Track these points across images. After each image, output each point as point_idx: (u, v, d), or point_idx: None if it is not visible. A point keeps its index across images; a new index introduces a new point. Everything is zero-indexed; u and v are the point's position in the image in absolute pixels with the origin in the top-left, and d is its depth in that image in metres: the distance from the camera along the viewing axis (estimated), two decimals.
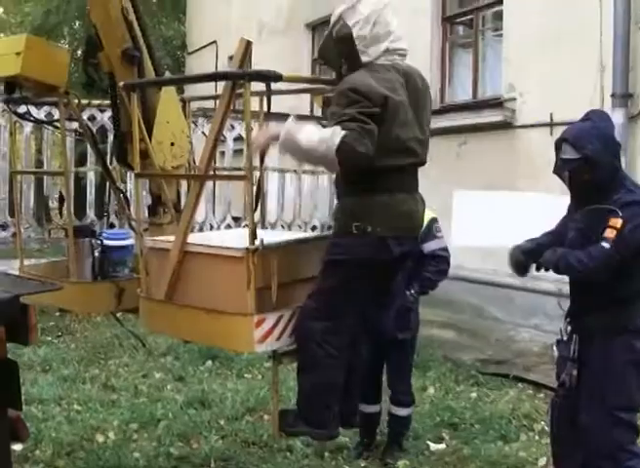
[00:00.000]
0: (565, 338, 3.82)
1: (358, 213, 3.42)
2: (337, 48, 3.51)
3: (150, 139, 4.46)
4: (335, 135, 3.18)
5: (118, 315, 5.33)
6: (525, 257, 3.82)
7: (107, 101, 5.03)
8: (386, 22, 3.49)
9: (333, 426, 3.69)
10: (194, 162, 4.98)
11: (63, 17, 20.13)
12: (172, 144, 4.72)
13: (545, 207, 8.58)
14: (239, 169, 4.20)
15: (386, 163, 3.39)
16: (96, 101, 5.91)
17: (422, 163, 3.71)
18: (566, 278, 3.87)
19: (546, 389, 6.34)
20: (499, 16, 10.10)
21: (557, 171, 3.75)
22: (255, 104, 4.07)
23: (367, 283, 3.55)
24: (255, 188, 3.72)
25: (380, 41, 3.46)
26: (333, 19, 3.54)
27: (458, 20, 11.22)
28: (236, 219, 10.33)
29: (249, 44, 3.40)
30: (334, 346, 3.50)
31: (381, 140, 3.29)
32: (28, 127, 9.30)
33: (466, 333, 8.61)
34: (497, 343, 8.21)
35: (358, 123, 3.20)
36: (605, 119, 3.83)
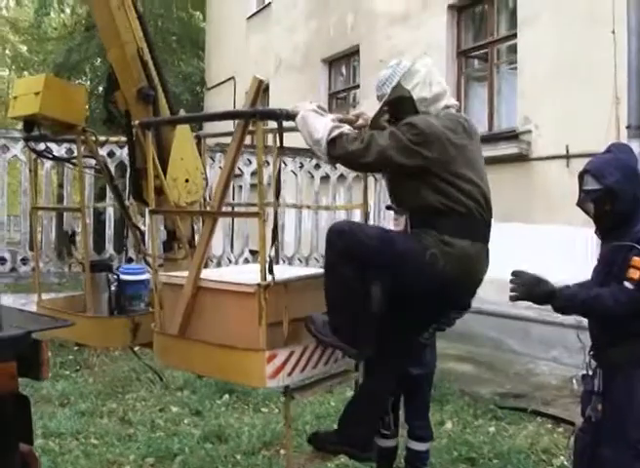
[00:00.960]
0: (590, 373, 3.79)
1: (433, 245, 3.40)
2: (393, 111, 3.62)
3: (165, 176, 4.54)
4: (338, 128, 3.36)
5: (136, 349, 5.36)
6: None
7: (125, 138, 5.11)
8: (439, 81, 3.61)
9: (366, 342, 3.62)
10: (210, 198, 5.03)
11: (85, 54, 20.49)
12: (186, 181, 4.79)
13: (563, 239, 8.61)
14: (255, 204, 4.24)
15: (460, 203, 3.42)
16: (113, 138, 6.01)
17: (490, 217, 3.63)
18: None
19: (566, 423, 6.28)
20: (513, 49, 10.20)
21: (580, 203, 3.76)
22: (270, 140, 4.15)
23: (406, 302, 3.59)
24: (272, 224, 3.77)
25: (439, 100, 3.56)
26: (382, 84, 3.63)
27: (472, 54, 11.35)
28: (254, 253, 10.37)
29: (261, 83, 3.45)
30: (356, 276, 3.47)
31: (450, 180, 3.39)
32: (49, 162, 9.42)
33: (484, 367, 8.57)
34: (515, 377, 8.17)
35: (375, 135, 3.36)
36: (626, 151, 3.86)
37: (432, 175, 3.38)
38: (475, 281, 3.59)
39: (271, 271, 3.42)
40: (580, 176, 3.76)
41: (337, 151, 3.38)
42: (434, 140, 3.35)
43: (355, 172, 3.76)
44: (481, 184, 3.52)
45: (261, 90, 3.50)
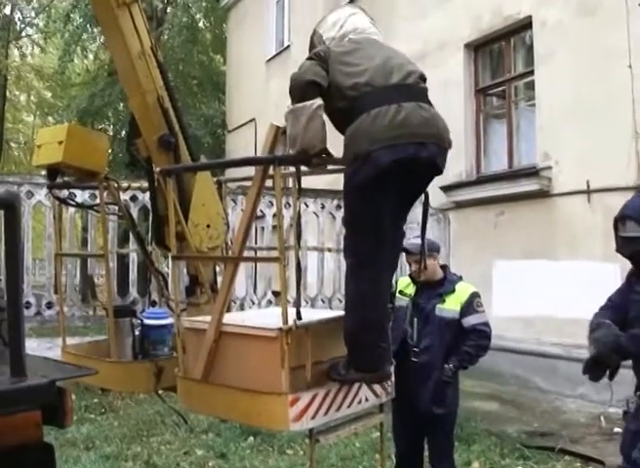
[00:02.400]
0: (632, 410, 3.71)
1: (348, 142, 3.47)
2: None
3: (187, 222, 4.59)
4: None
5: (160, 392, 5.38)
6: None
7: (147, 184, 5.17)
8: (353, 23, 3.95)
9: (384, 366, 3.69)
10: (231, 242, 5.07)
11: (108, 99, 20.79)
12: (208, 226, 4.84)
13: (586, 274, 8.56)
14: (276, 248, 4.27)
15: (356, 87, 3.51)
16: (135, 184, 6.09)
17: (414, 81, 3.65)
18: None
19: (595, 462, 6.20)
20: (531, 86, 10.26)
21: (621, 249, 3.69)
22: (291, 182, 4.20)
23: (377, 207, 3.48)
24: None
25: (346, 36, 3.87)
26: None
27: (490, 92, 11.41)
28: (277, 295, 10.39)
29: (278, 129, 3.51)
30: (364, 279, 3.50)
31: (338, 69, 3.60)
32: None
33: (510, 405, 8.49)
34: (542, 415, 8.08)
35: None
36: None
37: (331, 75, 3.59)
38: (410, 132, 3.42)
39: (299, 316, 3.47)
40: (618, 222, 3.69)
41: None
42: (322, 50, 3.72)
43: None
44: (371, 62, 3.61)
45: (279, 136, 3.55)
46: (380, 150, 3.34)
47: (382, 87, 3.52)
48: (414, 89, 3.61)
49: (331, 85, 3.57)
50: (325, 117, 3.52)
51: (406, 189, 3.65)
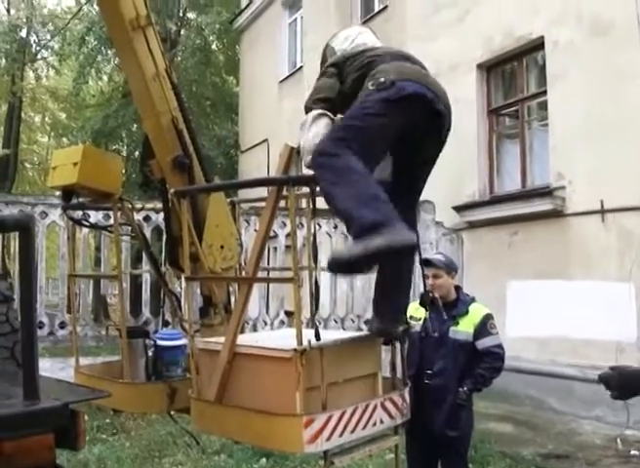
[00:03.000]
0: None
1: (372, 75, 3.53)
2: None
3: (201, 243, 4.58)
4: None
5: (172, 413, 5.35)
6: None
7: (160, 205, 5.18)
8: (363, 38, 4.15)
9: (395, 222, 3.09)
10: (245, 263, 5.06)
11: (122, 120, 20.93)
12: (221, 247, 4.83)
13: (600, 294, 8.51)
14: (289, 269, 4.26)
15: (375, 54, 3.76)
16: (149, 205, 6.10)
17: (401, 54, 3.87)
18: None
19: None
20: (543, 106, 10.26)
21: None
22: (304, 203, 4.21)
23: (387, 125, 3.44)
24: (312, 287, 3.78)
25: (357, 48, 3.99)
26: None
27: (503, 112, 11.41)
28: (289, 314, 10.37)
29: (292, 150, 3.52)
30: (349, 155, 3.24)
31: (353, 56, 3.84)
32: None
33: (525, 426, 8.42)
34: (557, 436, 7.99)
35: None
36: None
37: (344, 66, 3.83)
38: (425, 79, 3.58)
39: (318, 337, 3.45)
40: None
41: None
42: (335, 59, 3.95)
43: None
44: (381, 49, 3.89)
45: (293, 157, 3.56)
46: (406, 81, 3.45)
47: (402, 55, 3.80)
48: (426, 70, 3.80)
49: (349, 73, 3.78)
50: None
51: (414, 138, 3.65)
